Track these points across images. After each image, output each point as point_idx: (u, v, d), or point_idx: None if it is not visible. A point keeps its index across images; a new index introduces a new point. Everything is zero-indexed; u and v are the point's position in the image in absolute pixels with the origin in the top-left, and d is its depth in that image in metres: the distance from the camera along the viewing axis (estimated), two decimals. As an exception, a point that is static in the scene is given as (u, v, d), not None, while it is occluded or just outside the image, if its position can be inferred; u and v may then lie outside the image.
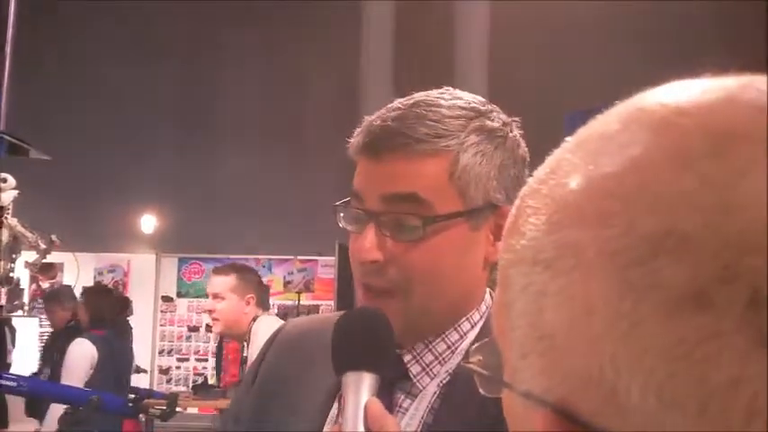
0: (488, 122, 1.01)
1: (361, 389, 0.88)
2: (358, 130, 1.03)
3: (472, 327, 1.03)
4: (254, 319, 3.36)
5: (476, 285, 1.04)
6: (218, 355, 7.92)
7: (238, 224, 10.05)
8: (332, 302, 9.19)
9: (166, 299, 10.93)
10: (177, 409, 3.62)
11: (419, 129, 0.97)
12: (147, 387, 6.96)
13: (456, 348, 1.01)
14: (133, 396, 3.52)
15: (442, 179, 0.97)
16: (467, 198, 0.98)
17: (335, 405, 1.03)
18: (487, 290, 1.08)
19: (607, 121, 0.39)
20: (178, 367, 10.70)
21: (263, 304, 3.53)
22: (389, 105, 1.02)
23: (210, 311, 3.41)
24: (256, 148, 10.44)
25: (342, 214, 1.03)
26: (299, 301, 9.33)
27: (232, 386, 5.68)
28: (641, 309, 0.33)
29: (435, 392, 0.99)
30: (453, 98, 1.02)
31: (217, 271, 3.51)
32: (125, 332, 6.34)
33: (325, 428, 1.03)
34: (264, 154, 10.35)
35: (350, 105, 9.61)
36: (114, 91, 10.73)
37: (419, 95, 1.02)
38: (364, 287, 1.00)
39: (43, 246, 3.80)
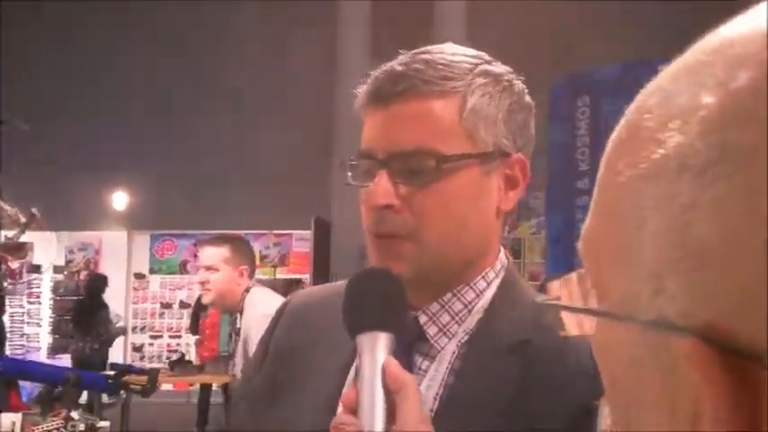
0: (494, 68, 1.00)
1: (377, 349, 0.85)
2: (362, 87, 1.01)
3: (488, 285, 1.01)
4: (247, 291, 3.31)
5: (489, 235, 1.01)
6: (195, 329, 7.87)
7: (212, 199, 9.96)
8: (307, 276, 9.17)
9: (139, 276, 10.83)
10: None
11: (426, 71, 0.96)
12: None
13: (473, 307, 0.99)
14: (113, 372, 3.43)
15: (451, 121, 0.96)
16: (477, 140, 0.96)
17: (352, 370, 1.00)
18: (502, 250, 1.05)
19: (730, 32, 0.36)
20: (151, 344, 10.65)
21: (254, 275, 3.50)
22: (397, 59, 1.00)
23: (203, 282, 3.33)
24: (230, 124, 10.34)
25: (350, 173, 1.02)
26: (274, 275, 9.29)
27: (210, 361, 5.63)
28: None
29: (455, 352, 0.97)
30: (458, 48, 1.02)
31: (209, 242, 3.44)
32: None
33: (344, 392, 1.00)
34: (238, 128, 10.25)
35: (326, 80, 9.56)
36: (86, 68, 10.54)
37: (425, 48, 1.00)
38: (376, 235, 0.98)
39: (24, 220, 3.66)
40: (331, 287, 1.19)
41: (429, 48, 1.00)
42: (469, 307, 0.99)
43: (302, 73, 10.23)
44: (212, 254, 3.35)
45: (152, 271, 10.93)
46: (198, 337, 7.49)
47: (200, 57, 10.55)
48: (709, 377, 0.32)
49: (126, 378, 3.42)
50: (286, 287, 8.40)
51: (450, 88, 0.96)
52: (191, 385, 8.06)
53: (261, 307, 3.19)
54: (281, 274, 9.67)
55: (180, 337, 10.55)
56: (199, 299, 9.05)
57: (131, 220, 10.89)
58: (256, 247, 10.73)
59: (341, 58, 8.83)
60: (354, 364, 1.00)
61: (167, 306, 10.78)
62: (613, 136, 0.41)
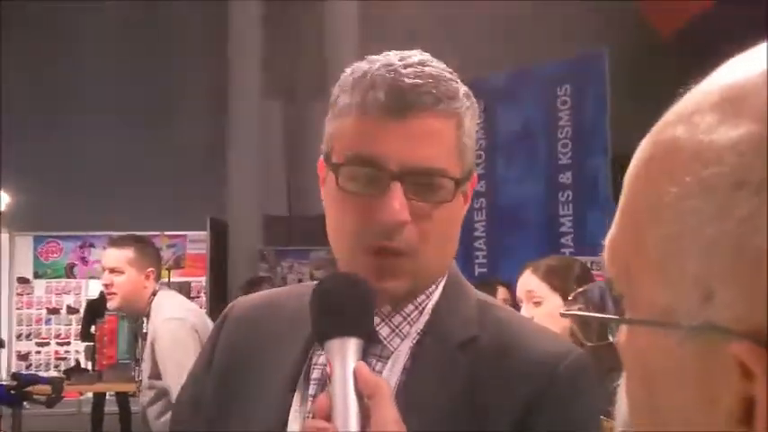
0: (466, 88, 1.02)
1: (347, 354, 0.87)
2: (356, 85, 0.96)
3: (436, 286, 1.04)
4: (154, 294, 3.21)
5: (456, 248, 1.07)
6: (88, 336, 7.59)
7: (99, 199, 9.61)
8: (203, 279, 9.00)
9: (22, 280, 10.35)
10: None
11: (438, 87, 0.95)
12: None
13: (423, 308, 1.02)
14: (15, 383, 3.31)
15: (452, 141, 0.97)
16: (464, 161, 1.00)
17: (301, 378, 1.02)
18: None
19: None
20: (38, 352, 10.19)
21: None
22: (389, 62, 0.96)
23: (107, 285, 3.20)
24: (117, 121, 10.02)
25: (343, 176, 0.97)
26: (169, 278, 9.08)
27: (108, 369, 5.48)
28: None
29: (407, 353, 1.00)
30: (437, 62, 1.01)
31: (114, 243, 3.29)
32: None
33: (294, 400, 1.02)
34: (127, 125, 9.95)
35: (216, 81, 9.43)
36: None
37: (411, 54, 0.98)
38: (378, 249, 0.95)
39: None
40: (270, 293, 1.19)
41: (422, 57, 0.98)
42: (420, 308, 1.02)
43: (193, 68, 10.04)
44: (116, 255, 3.23)
45: (36, 275, 10.45)
46: (90, 343, 7.26)
47: (86, 51, 10.20)
48: (765, 377, 0.35)
49: (29, 388, 3.32)
50: (181, 290, 8.20)
51: (453, 108, 0.97)
52: (81, 394, 7.79)
53: (169, 311, 3.16)
54: (176, 277, 9.44)
55: (69, 343, 10.14)
56: (90, 304, 8.75)
57: (12, 221, 10.38)
58: (148, 248, 10.48)
59: (233, 55, 8.71)
60: (303, 375, 1.02)
61: (54, 311, 10.33)
62: (641, 155, 0.44)
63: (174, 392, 2.82)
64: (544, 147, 5.21)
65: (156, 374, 3.07)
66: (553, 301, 2.43)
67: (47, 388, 3.41)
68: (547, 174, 5.14)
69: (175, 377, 2.82)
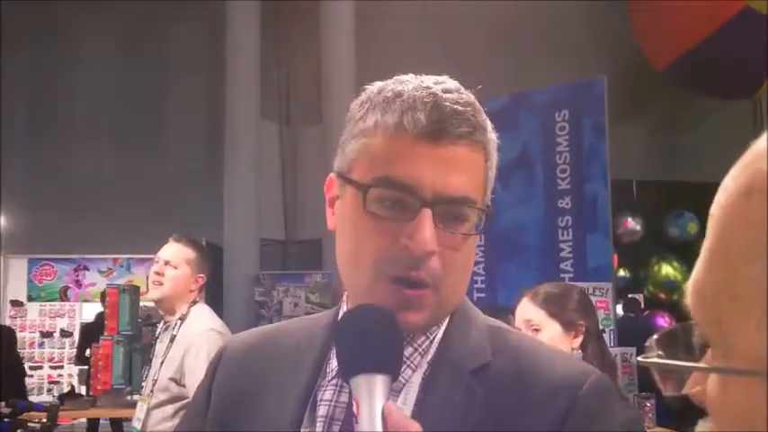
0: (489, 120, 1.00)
1: (375, 392, 0.83)
2: (390, 104, 0.92)
3: (445, 316, 1.02)
4: (194, 302, 3.15)
5: None
6: (83, 360, 7.52)
7: (93, 223, 9.58)
8: (198, 302, 8.95)
9: (16, 303, 10.27)
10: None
11: (478, 117, 0.93)
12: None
13: (434, 338, 0.99)
14: (9, 410, 3.26)
15: (481, 173, 0.95)
16: (486, 195, 0.97)
17: (306, 416, 0.98)
18: None
19: None
20: (31, 376, 10.09)
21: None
22: (427, 85, 0.92)
23: (158, 273, 3.11)
24: (111, 144, 10.01)
25: (371, 198, 0.92)
26: (164, 302, 9.02)
27: (104, 394, 5.41)
28: None
29: (420, 384, 0.97)
30: (464, 90, 0.98)
31: (177, 239, 3.20)
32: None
33: None
34: (120, 150, 9.94)
35: (212, 103, 9.43)
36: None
37: (445, 80, 0.96)
38: (402, 280, 0.91)
39: None
40: (265, 329, 1.16)
41: (457, 84, 0.95)
42: (430, 338, 0.99)
43: (189, 90, 10.06)
44: (176, 250, 3.16)
45: (30, 298, 10.38)
46: (85, 367, 7.18)
47: (82, 74, 10.20)
48: None
49: (23, 416, 3.28)
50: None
51: (486, 140, 0.95)
52: (74, 419, 7.70)
53: (212, 322, 3.11)
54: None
55: (62, 367, 10.07)
56: (85, 327, 8.67)
57: (6, 243, 10.33)
58: (142, 272, 10.41)
59: (230, 77, 8.69)
60: (308, 413, 0.98)
61: (47, 335, 10.26)
62: (735, 189, 0.40)
63: None
64: (542, 171, 5.21)
65: (177, 378, 3.01)
66: (552, 329, 2.40)
67: (41, 415, 3.36)
68: (546, 198, 5.14)
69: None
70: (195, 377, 2.92)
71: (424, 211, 0.90)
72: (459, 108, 0.91)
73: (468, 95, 0.94)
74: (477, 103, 0.96)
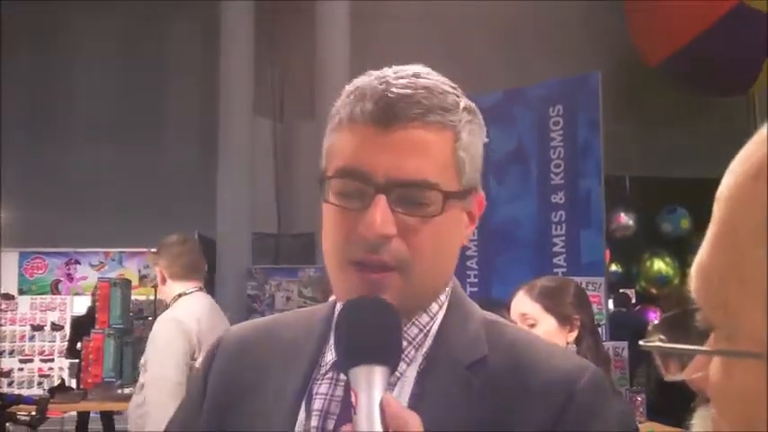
0: (470, 103, 1.00)
1: (374, 384, 0.82)
2: (349, 98, 0.95)
3: (440, 307, 1.01)
4: (180, 296, 3.39)
5: (454, 268, 1.03)
6: (73, 353, 7.48)
7: (85, 216, 9.54)
8: (191, 296, 8.91)
9: (7, 296, 10.22)
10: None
11: (431, 99, 0.93)
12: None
13: (428, 331, 0.99)
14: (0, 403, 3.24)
15: (446, 155, 0.94)
16: (462, 177, 0.96)
17: (302, 409, 0.98)
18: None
19: None
20: (21, 369, 10.05)
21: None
22: (383, 74, 0.95)
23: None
24: (103, 138, 9.97)
25: (332, 190, 0.94)
26: (155, 295, 9.00)
27: (94, 387, 5.39)
28: None
29: (415, 378, 0.96)
30: (436, 74, 0.99)
31: (150, 254, 3.63)
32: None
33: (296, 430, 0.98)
34: (117, 148, 9.90)
35: (206, 98, 9.39)
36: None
37: (408, 68, 0.96)
38: (360, 264, 0.92)
39: None
40: (266, 320, 1.16)
41: (416, 69, 0.96)
42: (425, 331, 0.99)
43: (183, 85, 10.03)
44: (151, 263, 3.63)
45: (21, 291, 10.33)
46: (75, 360, 7.15)
47: (76, 68, 10.16)
48: None
49: (12, 409, 3.25)
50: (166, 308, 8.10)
51: (448, 121, 0.94)
52: (64, 412, 7.68)
53: (173, 311, 3.31)
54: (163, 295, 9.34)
55: (52, 360, 10.01)
56: (76, 320, 8.64)
57: (-2, 237, 10.29)
58: (134, 266, 10.38)
59: (224, 73, 8.68)
60: (304, 404, 0.98)
61: (38, 328, 10.21)
62: (743, 173, 0.40)
63: (149, 388, 2.91)
64: (536, 166, 5.20)
65: (144, 364, 3.21)
66: (547, 323, 2.39)
67: (31, 408, 3.33)
68: (539, 193, 5.13)
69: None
70: (151, 364, 3.10)
71: (378, 197, 0.91)
72: (409, 92, 0.92)
73: (429, 79, 0.95)
74: (445, 86, 0.96)
